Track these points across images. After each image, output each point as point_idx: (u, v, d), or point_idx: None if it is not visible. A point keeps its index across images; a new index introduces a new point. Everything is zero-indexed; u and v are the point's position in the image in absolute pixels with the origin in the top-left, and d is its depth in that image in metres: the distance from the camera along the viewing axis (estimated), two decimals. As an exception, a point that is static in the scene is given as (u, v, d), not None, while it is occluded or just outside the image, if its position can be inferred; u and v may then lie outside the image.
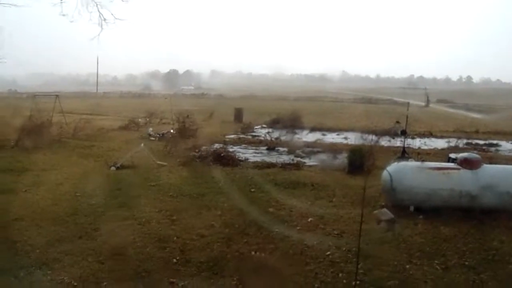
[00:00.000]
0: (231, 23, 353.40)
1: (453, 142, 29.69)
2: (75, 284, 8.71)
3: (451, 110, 59.18)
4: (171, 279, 8.97)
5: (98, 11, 17.44)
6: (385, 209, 12.85)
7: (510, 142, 31.89)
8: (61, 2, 16.94)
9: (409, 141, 26.68)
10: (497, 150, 28.06)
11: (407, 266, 9.83)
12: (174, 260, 9.85)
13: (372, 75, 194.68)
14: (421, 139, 31.62)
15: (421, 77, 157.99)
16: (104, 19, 17.72)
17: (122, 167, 18.70)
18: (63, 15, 17.37)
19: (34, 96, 29.83)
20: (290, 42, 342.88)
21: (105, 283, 8.73)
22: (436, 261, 10.14)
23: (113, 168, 18.57)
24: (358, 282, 8.97)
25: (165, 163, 19.58)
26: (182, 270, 9.43)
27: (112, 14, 18.43)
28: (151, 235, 11.19)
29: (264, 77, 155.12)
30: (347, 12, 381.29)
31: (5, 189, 14.92)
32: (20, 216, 12.26)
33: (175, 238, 11.08)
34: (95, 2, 17.27)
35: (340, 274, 9.39)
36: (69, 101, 44.03)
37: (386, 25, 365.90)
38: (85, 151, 22.74)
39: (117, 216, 12.51)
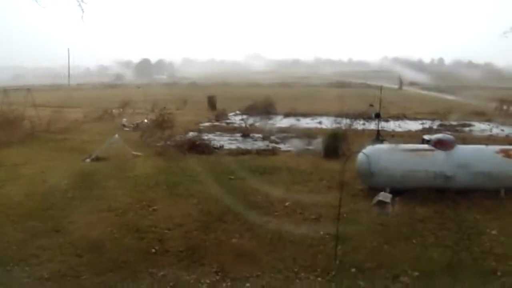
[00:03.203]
0: (202, 10, 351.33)
1: (427, 123, 29.98)
2: (55, 279, 8.65)
3: (424, 92, 59.48)
4: (150, 270, 8.94)
5: None
6: (383, 192, 12.92)
7: (482, 122, 32.30)
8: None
9: (383, 124, 26.88)
10: (471, 131, 28.43)
11: (385, 247, 9.93)
12: (153, 250, 9.81)
13: (345, 58, 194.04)
14: (395, 122, 31.93)
15: (394, 59, 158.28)
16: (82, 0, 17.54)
17: (97, 159, 18.49)
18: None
19: (4, 90, 29.33)
20: (261, 28, 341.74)
21: (84, 277, 8.68)
22: (413, 241, 10.27)
23: (87, 160, 18.39)
24: (338, 262, 9.06)
25: (140, 153, 19.46)
26: (161, 260, 9.40)
27: None
28: (128, 226, 11.12)
29: (236, 64, 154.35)
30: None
31: (-22, 186, 14.64)
32: (-6, 212, 12.06)
33: (153, 228, 11.03)
34: None
35: (319, 256, 9.45)
36: (41, 94, 43.30)
37: (357, 8, 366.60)
38: (59, 144, 22.44)
39: (94, 208, 12.38)
